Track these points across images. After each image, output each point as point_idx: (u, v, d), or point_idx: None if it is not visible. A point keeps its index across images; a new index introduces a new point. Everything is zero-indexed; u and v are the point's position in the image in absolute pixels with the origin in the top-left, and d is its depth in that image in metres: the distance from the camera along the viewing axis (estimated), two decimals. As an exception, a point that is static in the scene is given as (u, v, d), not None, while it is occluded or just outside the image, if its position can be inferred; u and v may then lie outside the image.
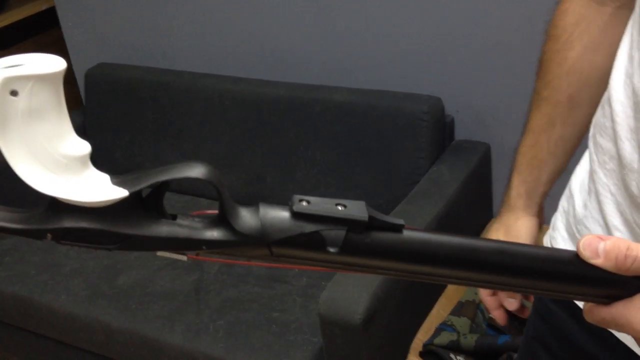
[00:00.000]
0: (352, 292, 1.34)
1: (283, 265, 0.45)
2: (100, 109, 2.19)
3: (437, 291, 1.60)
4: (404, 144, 1.75)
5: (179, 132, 2.07)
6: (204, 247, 0.43)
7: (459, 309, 1.54)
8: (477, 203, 1.85)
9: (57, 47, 2.79)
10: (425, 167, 1.75)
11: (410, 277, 0.46)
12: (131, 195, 0.43)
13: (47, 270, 1.81)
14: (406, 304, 1.51)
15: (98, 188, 0.43)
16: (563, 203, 0.81)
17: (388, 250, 0.45)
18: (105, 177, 0.43)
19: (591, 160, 0.73)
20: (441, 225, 1.57)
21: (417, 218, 1.55)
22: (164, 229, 0.43)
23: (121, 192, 0.43)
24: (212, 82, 2.02)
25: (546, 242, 0.84)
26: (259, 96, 1.94)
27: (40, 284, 1.77)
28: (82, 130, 2.21)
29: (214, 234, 0.43)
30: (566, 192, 0.81)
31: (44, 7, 3.09)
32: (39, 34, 3.23)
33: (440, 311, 1.56)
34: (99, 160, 2.23)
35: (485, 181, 1.85)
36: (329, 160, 1.86)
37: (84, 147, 0.43)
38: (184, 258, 0.44)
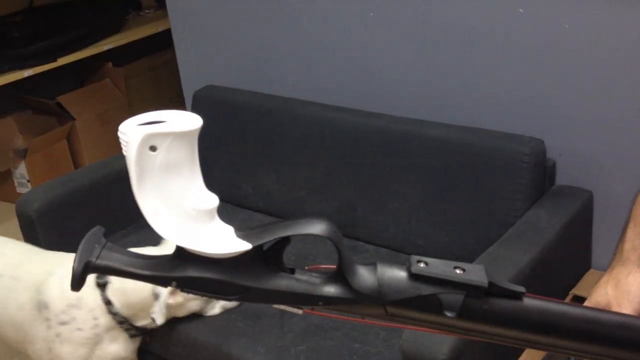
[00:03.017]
0: (437, 331, 1.31)
1: (397, 325, 0.44)
2: (204, 129, 2.26)
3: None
4: (500, 185, 1.71)
5: (277, 156, 2.12)
6: (320, 303, 0.44)
7: (547, 359, 1.48)
8: (575, 252, 1.78)
9: (169, 67, 2.92)
10: (522, 210, 1.70)
11: (529, 346, 0.45)
12: (254, 248, 0.44)
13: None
14: (492, 349, 1.46)
15: (223, 240, 0.44)
16: None
17: (507, 318, 0.43)
18: (230, 230, 0.45)
19: None
20: (535, 272, 1.52)
21: (509, 262, 1.51)
22: (283, 283, 0.44)
23: (245, 245, 0.44)
24: (313, 110, 2.05)
25: None
26: (357, 126, 1.95)
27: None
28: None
29: (331, 290, 0.44)
30: None
31: (160, 29, 3.25)
32: (153, 53, 3.40)
33: (528, 359, 1.50)
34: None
35: (585, 230, 1.78)
36: (422, 195, 1.84)
37: (213, 201, 0.44)
38: (300, 312, 0.45)
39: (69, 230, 2.03)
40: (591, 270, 1.81)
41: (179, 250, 0.45)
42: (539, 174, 1.73)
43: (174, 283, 0.45)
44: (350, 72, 2.08)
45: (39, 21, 3.05)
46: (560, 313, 0.44)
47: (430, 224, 1.82)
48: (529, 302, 0.44)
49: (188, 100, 2.47)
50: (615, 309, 0.75)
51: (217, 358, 1.63)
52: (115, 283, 1.56)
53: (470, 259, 1.55)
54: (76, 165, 3.13)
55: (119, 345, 1.61)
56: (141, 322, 1.61)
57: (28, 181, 3.03)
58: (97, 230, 0.46)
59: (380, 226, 1.92)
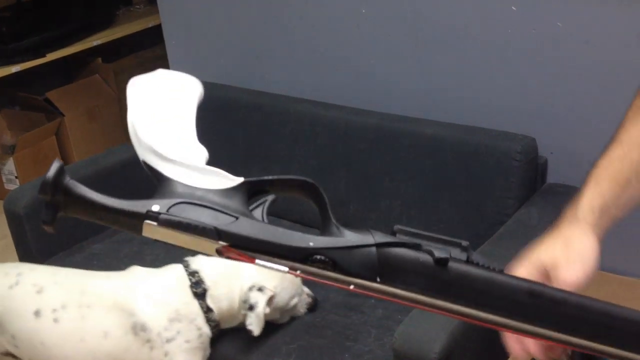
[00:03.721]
0: (429, 329, 1.31)
1: (382, 296, 0.44)
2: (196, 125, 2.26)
3: (517, 337, 1.54)
4: (492, 183, 1.72)
5: (268, 154, 2.11)
6: (312, 259, 0.43)
7: (539, 358, 1.48)
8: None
9: (159, 63, 2.90)
10: (513, 208, 1.70)
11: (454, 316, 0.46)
12: (245, 183, 0.45)
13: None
14: (484, 348, 1.46)
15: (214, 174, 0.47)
16: None
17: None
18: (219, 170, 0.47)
19: None
20: (526, 269, 1.52)
21: (500, 260, 1.50)
22: (270, 230, 0.44)
23: (237, 180, 0.46)
24: (304, 107, 2.04)
25: None
26: (349, 124, 1.95)
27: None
28: (175, 145, 2.27)
29: (321, 240, 0.44)
30: None
31: (150, 25, 3.23)
32: (143, 49, 3.38)
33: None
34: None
35: (575, 227, 1.78)
36: (414, 193, 1.84)
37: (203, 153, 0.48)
38: (285, 269, 0.44)
39: (59, 227, 2.01)
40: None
41: (165, 182, 0.46)
42: (530, 172, 1.73)
43: (152, 214, 0.44)
44: (342, 69, 2.07)
45: (27, 17, 3.03)
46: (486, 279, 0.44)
47: (421, 222, 1.82)
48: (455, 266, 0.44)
49: (178, 97, 2.46)
50: (563, 268, 0.67)
51: (209, 357, 1.62)
52: (213, 290, 1.51)
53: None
54: (65, 161, 3.11)
55: (209, 352, 1.56)
56: (226, 326, 1.56)
57: (16, 177, 3.01)
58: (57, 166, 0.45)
59: (372, 224, 1.92)
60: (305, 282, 1.64)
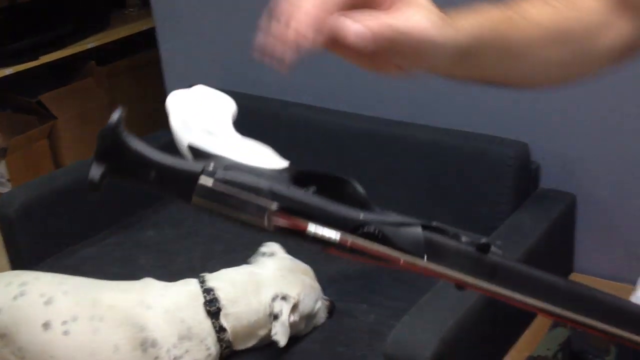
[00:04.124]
0: (421, 335, 1.31)
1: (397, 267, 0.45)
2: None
3: (508, 342, 1.55)
4: (485, 189, 1.72)
5: (261, 158, 2.10)
6: (361, 230, 0.43)
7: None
8: (558, 255, 1.79)
9: (153, 66, 2.90)
10: (505, 213, 1.70)
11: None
12: (291, 167, 0.46)
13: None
14: (476, 353, 1.46)
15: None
16: None
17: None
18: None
19: None
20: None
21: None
22: (321, 202, 0.44)
23: (283, 162, 0.46)
24: (298, 111, 2.05)
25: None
26: (342, 128, 1.95)
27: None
28: (167, 149, 2.27)
29: (371, 217, 0.44)
30: None
31: (144, 28, 3.22)
32: (137, 52, 3.37)
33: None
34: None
35: (567, 233, 1.79)
36: (406, 199, 1.84)
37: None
38: (337, 237, 0.43)
39: (49, 231, 2.00)
40: (574, 274, 1.82)
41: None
42: (523, 177, 1.73)
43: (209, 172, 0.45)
44: (335, 72, 2.07)
45: (21, 19, 3.01)
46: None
47: (414, 227, 1.82)
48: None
49: (172, 101, 2.45)
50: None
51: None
52: (228, 308, 1.47)
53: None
54: (57, 165, 3.10)
55: None
56: (240, 347, 1.52)
57: (8, 180, 2.99)
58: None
59: (365, 228, 1.92)
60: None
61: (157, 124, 2.90)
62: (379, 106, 1.99)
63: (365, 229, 0.43)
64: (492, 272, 0.45)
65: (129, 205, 2.18)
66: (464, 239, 0.45)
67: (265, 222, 0.43)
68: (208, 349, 1.46)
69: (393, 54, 0.53)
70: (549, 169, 1.79)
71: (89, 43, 3.08)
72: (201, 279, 1.51)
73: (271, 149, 0.48)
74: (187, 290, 1.49)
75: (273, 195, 0.44)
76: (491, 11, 0.61)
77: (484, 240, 0.45)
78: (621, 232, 1.72)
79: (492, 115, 1.82)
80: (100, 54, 3.25)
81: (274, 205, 0.43)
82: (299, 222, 0.44)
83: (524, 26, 0.62)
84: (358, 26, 0.49)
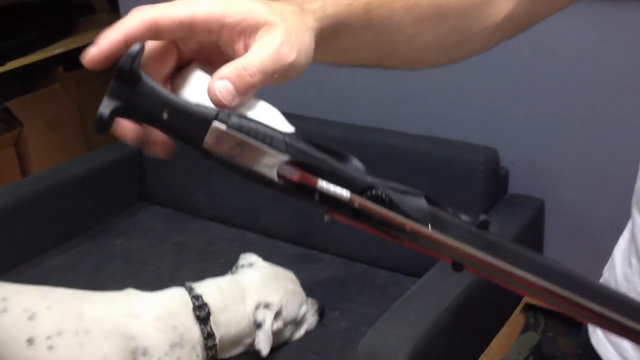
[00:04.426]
0: (393, 342, 1.31)
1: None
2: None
3: (480, 347, 1.55)
4: (455, 194, 1.73)
5: (231, 164, 2.09)
6: (374, 192, 0.44)
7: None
8: (528, 259, 1.80)
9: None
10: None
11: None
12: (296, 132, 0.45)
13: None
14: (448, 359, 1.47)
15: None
16: (605, 273, 0.78)
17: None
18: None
19: (637, 232, 0.70)
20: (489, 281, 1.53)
21: (463, 272, 1.52)
22: (341, 165, 0.45)
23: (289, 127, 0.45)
24: (268, 118, 2.03)
25: None
26: (313, 134, 1.91)
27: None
28: (138, 158, 2.25)
29: (385, 182, 0.45)
30: (609, 263, 0.78)
31: (112, 33, 3.17)
32: (105, 58, 3.33)
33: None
34: (151, 187, 2.26)
35: (536, 238, 1.81)
36: (378, 204, 1.84)
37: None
38: (347, 195, 0.43)
39: (15, 241, 1.97)
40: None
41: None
42: (492, 183, 1.74)
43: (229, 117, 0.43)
44: (305, 79, 2.06)
45: (-15, 24, 2.96)
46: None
47: (385, 233, 1.82)
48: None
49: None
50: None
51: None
52: (218, 315, 1.45)
53: (425, 268, 1.55)
54: (24, 173, 3.04)
55: None
56: (225, 354, 1.50)
57: (-26, 189, 2.94)
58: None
59: (336, 235, 1.91)
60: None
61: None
62: (349, 112, 1.99)
63: (373, 192, 0.43)
64: (493, 247, 0.45)
65: (96, 214, 2.15)
66: (462, 217, 0.45)
67: (275, 174, 0.43)
68: (198, 356, 1.44)
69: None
70: (518, 174, 1.80)
71: (57, 49, 3.04)
72: (188, 286, 1.49)
73: (280, 112, 0.47)
74: (176, 298, 1.47)
75: (287, 147, 0.43)
76: None
77: (483, 217, 0.45)
78: (589, 237, 1.74)
79: (461, 121, 1.83)
80: (69, 60, 3.21)
81: (286, 156, 0.43)
82: (309, 177, 0.43)
83: (391, 2, 0.59)
84: (224, 83, 0.45)
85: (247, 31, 0.47)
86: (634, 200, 0.72)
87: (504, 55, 1.72)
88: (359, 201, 0.43)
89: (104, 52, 0.45)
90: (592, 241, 1.71)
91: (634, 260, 0.71)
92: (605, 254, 0.82)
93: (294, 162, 0.43)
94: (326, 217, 0.44)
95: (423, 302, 1.44)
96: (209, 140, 0.43)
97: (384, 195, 0.43)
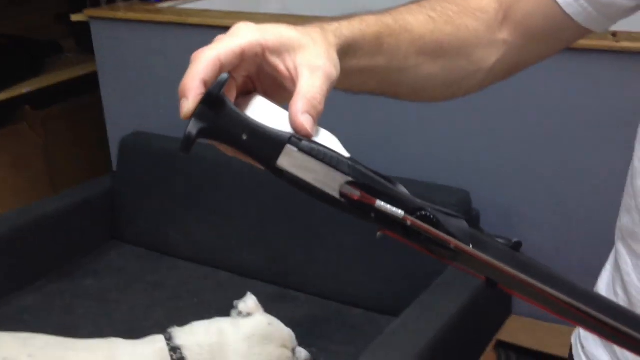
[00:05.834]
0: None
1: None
2: (131, 176, 2.23)
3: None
4: (429, 234, 1.76)
5: (207, 206, 2.10)
6: (421, 213, 0.49)
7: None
8: (497, 297, 1.84)
9: (90, 111, 2.86)
10: (449, 258, 1.75)
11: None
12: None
13: (63, 332, 1.80)
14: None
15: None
16: None
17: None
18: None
19: (622, 264, 0.73)
20: (464, 318, 1.57)
21: (439, 309, 1.55)
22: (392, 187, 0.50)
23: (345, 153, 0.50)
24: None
25: (574, 341, 0.83)
26: (288, 175, 1.97)
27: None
28: (109, 196, 2.24)
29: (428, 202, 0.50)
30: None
31: (81, 73, 3.18)
32: (74, 97, 3.32)
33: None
34: (123, 226, 2.25)
35: (507, 277, 1.85)
36: (353, 245, 1.87)
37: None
38: (401, 214, 0.49)
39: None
40: (513, 316, 1.88)
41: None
42: (464, 224, 1.79)
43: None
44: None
45: (-48, 62, 2.93)
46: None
47: (362, 274, 1.85)
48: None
49: (114, 146, 2.42)
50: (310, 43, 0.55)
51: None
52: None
53: (401, 307, 1.58)
54: (-12, 211, 2.98)
55: None
56: None
57: None
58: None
59: (311, 275, 1.93)
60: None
61: (96, 169, 2.85)
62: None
63: (423, 213, 0.48)
64: (525, 267, 0.49)
65: (67, 253, 2.13)
66: (497, 239, 0.50)
67: (338, 193, 0.48)
68: None
69: None
70: (489, 216, 1.85)
71: (24, 87, 3.02)
72: (167, 335, 1.45)
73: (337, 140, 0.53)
74: (154, 349, 1.43)
75: (349, 169, 0.49)
76: (370, 17, 0.65)
77: (515, 240, 0.49)
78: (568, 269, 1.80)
79: (434, 163, 1.89)
80: (37, 99, 3.19)
81: (349, 178, 0.48)
82: (369, 197, 0.48)
83: (399, 33, 0.66)
84: (306, 117, 0.53)
85: (286, 52, 0.53)
86: (618, 235, 0.76)
87: (477, 101, 1.79)
88: (411, 220, 0.48)
89: (196, 101, 0.51)
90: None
91: (619, 290, 0.74)
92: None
93: (355, 183, 0.49)
94: (378, 234, 0.51)
95: (402, 340, 1.47)
96: (282, 160, 0.48)
97: (432, 216, 0.48)
